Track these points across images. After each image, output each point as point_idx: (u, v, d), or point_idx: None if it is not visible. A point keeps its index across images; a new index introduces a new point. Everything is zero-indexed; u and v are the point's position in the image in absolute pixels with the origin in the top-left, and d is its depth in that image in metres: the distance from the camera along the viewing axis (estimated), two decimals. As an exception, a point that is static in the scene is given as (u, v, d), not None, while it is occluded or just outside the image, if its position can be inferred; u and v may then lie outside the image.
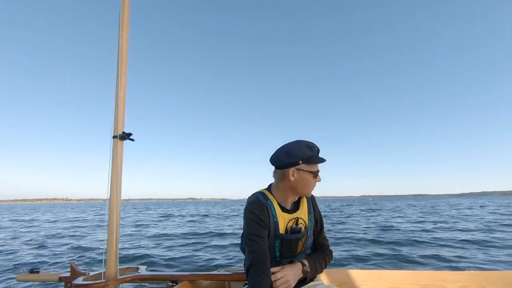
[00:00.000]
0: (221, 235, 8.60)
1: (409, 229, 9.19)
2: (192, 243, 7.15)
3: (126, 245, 6.90)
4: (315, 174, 1.19)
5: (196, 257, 5.41)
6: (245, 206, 1.22)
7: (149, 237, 8.41)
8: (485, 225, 9.65)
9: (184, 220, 14.96)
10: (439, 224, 10.34)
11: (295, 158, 1.17)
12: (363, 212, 19.48)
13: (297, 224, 1.22)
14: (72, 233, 9.63)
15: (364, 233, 8.13)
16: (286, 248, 1.21)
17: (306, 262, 1.23)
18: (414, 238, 6.94)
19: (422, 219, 12.75)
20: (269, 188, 1.29)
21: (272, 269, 1.15)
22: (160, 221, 14.83)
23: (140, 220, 15.24)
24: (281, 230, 1.19)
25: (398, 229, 9.08)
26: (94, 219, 16.70)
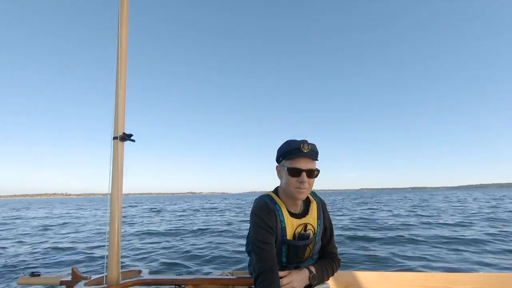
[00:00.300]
0: (202, 231, 8.58)
1: (390, 223, 9.21)
2: (170, 239, 7.13)
3: (97, 243, 6.89)
4: (290, 171, 1.12)
5: (166, 253, 5.40)
6: (251, 210, 1.21)
7: (130, 234, 8.40)
8: (466, 219, 9.67)
9: (172, 216, 14.94)
10: (422, 219, 10.36)
11: (277, 154, 1.22)
12: (354, 206, 19.55)
13: (305, 230, 1.20)
14: (56, 231, 9.62)
15: (343, 229, 8.14)
16: (293, 254, 1.20)
17: (313, 269, 1.21)
18: (389, 235, 6.93)
19: (407, 213, 12.78)
20: (276, 190, 1.27)
21: (279, 274, 1.14)
22: (150, 216, 14.81)
23: (126, 216, 15.24)
24: (289, 236, 1.18)
25: (378, 223, 9.09)
26: (82, 216, 16.69)
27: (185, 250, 5.81)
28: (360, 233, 7.22)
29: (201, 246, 6.13)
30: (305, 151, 1.10)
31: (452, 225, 8.45)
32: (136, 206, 27.66)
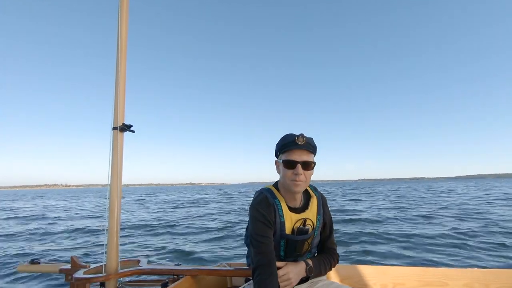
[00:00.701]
0: (178, 222, 8.56)
1: (363, 215, 9.20)
2: (141, 232, 7.14)
3: (87, 234, 6.92)
4: (286, 163, 1.14)
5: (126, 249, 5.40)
6: (251, 204, 1.22)
7: (102, 226, 8.40)
8: (438, 212, 9.70)
9: (155, 207, 14.97)
10: (396, 211, 10.40)
11: (275, 149, 1.24)
12: (339, 198, 19.63)
13: (304, 225, 1.20)
14: (43, 221, 9.65)
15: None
16: (291, 248, 1.21)
17: (310, 262, 1.23)
18: (351, 228, 6.95)
19: (388, 204, 12.83)
20: (276, 184, 1.28)
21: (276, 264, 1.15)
22: (133, 210, 14.84)
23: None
24: (288, 230, 1.19)
25: (350, 216, 9.05)
26: (70, 207, 16.75)
27: (144, 246, 5.82)
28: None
29: (164, 242, 6.10)
30: (300, 143, 1.12)
31: (421, 217, 8.45)
32: (124, 197, 27.73)
